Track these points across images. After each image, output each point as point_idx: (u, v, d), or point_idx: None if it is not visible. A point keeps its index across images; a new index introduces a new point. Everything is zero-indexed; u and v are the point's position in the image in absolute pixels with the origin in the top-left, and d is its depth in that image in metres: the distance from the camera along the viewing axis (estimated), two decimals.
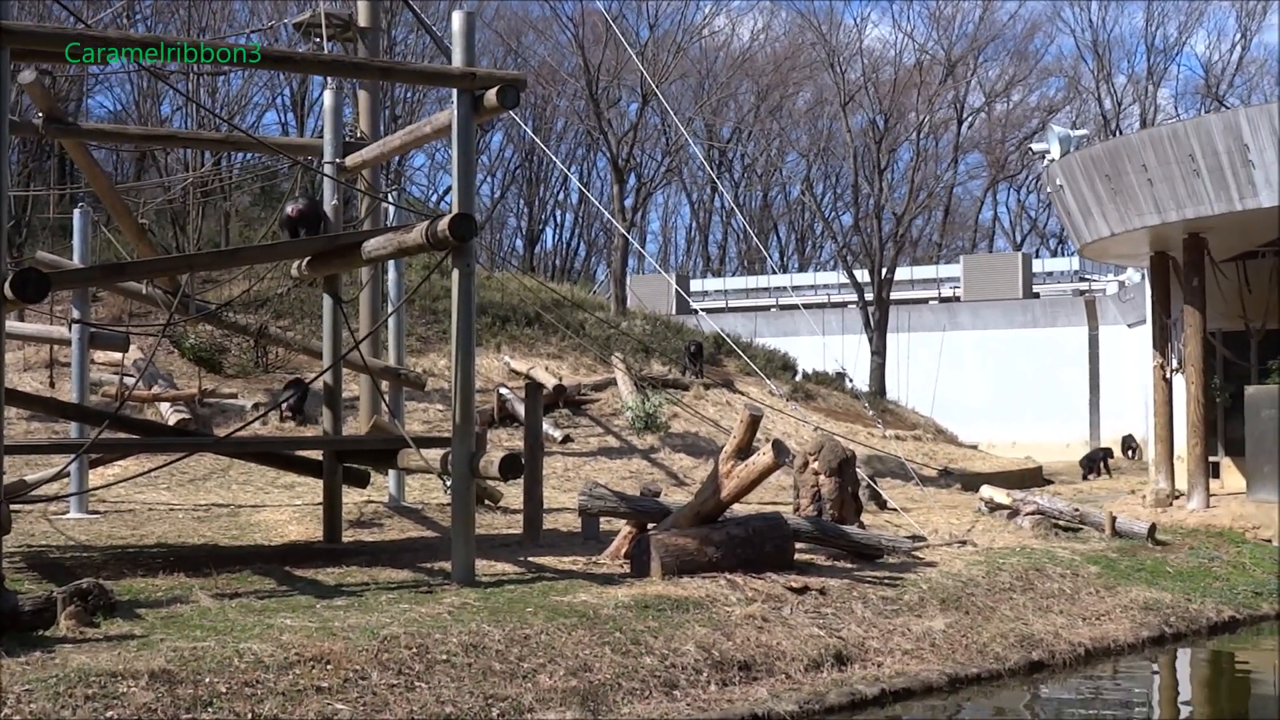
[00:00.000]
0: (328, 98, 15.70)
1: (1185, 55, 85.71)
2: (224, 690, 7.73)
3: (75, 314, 17.17)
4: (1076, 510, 17.27)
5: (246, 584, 11.22)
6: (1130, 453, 35.22)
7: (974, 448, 33.56)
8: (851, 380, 34.99)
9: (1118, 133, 50.15)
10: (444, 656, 8.81)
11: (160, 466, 15.75)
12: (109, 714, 7.25)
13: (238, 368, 24.52)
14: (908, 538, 15.05)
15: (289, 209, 14.22)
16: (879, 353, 41.09)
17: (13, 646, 8.10)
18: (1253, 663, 12.90)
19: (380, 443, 14.17)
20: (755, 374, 26.96)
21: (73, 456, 13.72)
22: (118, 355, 20.48)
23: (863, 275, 43.19)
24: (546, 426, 21.21)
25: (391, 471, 16.82)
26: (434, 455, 12.23)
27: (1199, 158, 18.65)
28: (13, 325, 19.35)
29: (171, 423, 18.46)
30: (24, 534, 14.07)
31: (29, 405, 16.26)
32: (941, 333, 43.20)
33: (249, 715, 7.55)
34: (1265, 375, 21.09)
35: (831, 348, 38.83)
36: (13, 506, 13.22)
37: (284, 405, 21.05)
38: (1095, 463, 31.52)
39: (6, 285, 9.88)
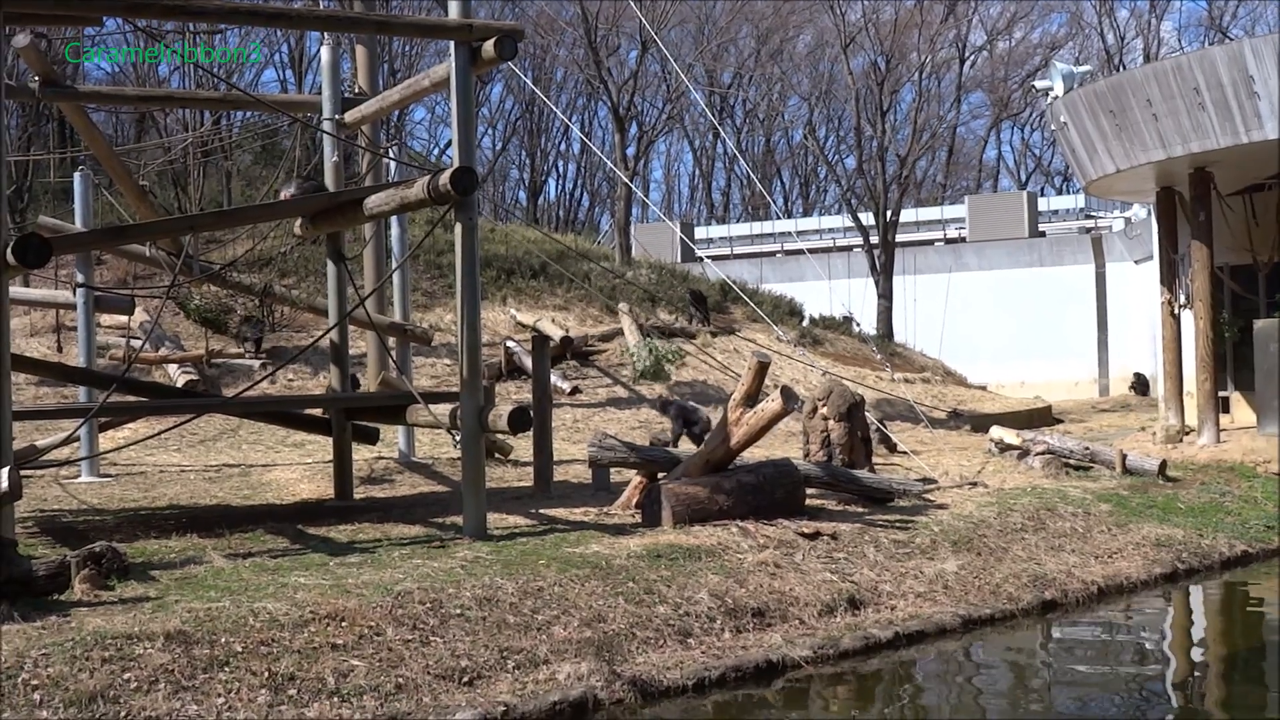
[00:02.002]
0: (325, 54, 15.58)
1: None
2: (240, 650, 7.76)
3: (79, 278, 17.13)
4: (1087, 449, 17.25)
5: (259, 543, 11.24)
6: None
7: (983, 389, 33.52)
8: (858, 324, 34.90)
9: (1121, 68, 49.71)
10: (458, 610, 8.84)
11: (170, 428, 15.77)
12: (126, 676, 7.28)
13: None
14: (918, 480, 15.05)
15: (283, 193, 14.10)
16: (885, 296, 41.02)
17: (28, 611, 8.14)
18: (1266, 596, 12.92)
19: (388, 399, 14.17)
20: (762, 320, 26.91)
21: (82, 420, 13.73)
22: (123, 318, 20.46)
23: (867, 218, 43.04)
24: (554, 378, 21.21)
25: (401, 427, 16.84)
26: (442, 410, 12.24)
27: (1204, 91, 18.47)
28: (17, 291, 19.30)
29: (180, 384, 18.40)
30: (36, 499, 14.11)
31: (36, 370, 16.27)
32: (948, 274, 43.06)
33: (265, 674, 7.59)
34: (1274, 309, 21.00)
35: (838, 292, 38.70)
36: (24, 472, 13.25)
37: (250, 342, 21.79)
38: None
39: (8, 251, 9.86)
